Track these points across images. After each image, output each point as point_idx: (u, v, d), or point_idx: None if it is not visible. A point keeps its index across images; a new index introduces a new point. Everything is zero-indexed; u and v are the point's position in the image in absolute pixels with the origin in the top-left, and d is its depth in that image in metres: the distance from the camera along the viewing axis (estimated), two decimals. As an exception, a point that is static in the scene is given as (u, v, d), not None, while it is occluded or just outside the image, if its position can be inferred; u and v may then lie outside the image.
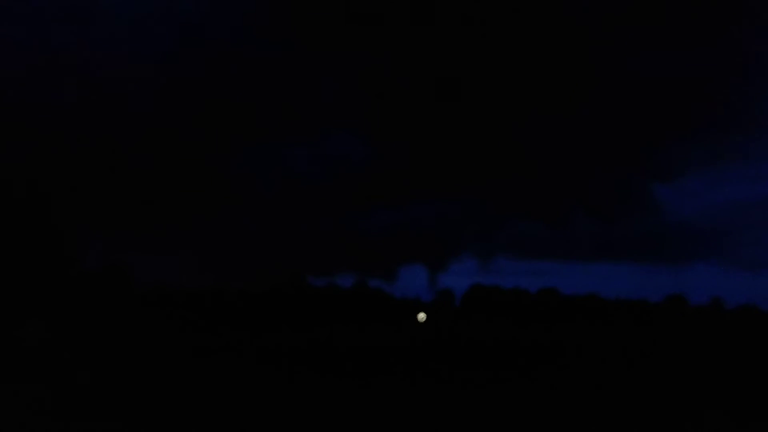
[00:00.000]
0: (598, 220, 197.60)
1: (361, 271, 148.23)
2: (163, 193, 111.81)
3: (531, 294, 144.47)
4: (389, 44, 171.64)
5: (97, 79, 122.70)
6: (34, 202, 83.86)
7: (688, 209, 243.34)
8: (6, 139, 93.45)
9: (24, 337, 60.22)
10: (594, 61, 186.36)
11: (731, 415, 19.46)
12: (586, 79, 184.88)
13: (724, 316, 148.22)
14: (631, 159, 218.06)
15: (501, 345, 52.88)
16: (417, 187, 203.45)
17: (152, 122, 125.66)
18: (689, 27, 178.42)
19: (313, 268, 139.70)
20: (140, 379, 28.21)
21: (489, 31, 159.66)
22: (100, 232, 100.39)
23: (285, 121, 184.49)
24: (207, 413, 19.31)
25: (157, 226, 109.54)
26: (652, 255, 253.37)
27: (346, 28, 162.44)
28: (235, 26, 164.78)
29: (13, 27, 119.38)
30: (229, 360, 38.48)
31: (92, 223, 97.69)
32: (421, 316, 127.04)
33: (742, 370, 33.60)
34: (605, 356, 42.67)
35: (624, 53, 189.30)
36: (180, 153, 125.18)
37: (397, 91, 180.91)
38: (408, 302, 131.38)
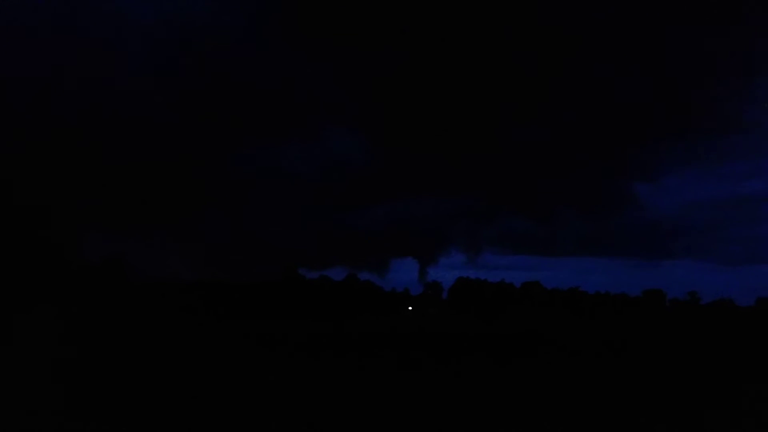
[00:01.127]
0: (582, 217, 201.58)
1: (354, 265, 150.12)
2: (161, 189, 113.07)
3: (515, 287, 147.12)
4: (383, 45, 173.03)
5: (97, 81, 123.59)
6: (34, 199, 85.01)
7: (666, 207, 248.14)
8: (8, 139, 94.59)
9: (25, 327, 61.73)
10: (580, 66, 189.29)
11: (707, 403, 20.02)
12: (574, 83, 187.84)
13: (700, 310, 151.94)
14: (614, 158, 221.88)
15: (485, 336, 54.17)
16: (408, 184, 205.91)
17: (151, 120, 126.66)
18: (670, 35, 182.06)
19: (307, 261, 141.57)
20: (138, 368, 28.55)
21: (483, 34, 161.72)
22: (99, 227, 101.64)
23: (280, 119, 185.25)
24: (203, 400, 19.61)
25: (155, 221, 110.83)
26: (631, 251, 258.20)
27: (342, 28, 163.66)
28: (234, 27, 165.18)
29: (17, 32, 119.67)
30: (224, 349, 38.78)
31: (91, 218, 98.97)
32: (410, 309, 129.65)
33: (718, 361, 34.01)
34: (585, 348, 42.69)
35: (608, 60, 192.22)
36: (178, 150, 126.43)
37: (391, 91, 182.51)
38: (397, 294, 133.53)
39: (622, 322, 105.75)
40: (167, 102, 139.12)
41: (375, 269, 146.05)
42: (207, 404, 19.13)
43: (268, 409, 18.69)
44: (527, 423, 16.97)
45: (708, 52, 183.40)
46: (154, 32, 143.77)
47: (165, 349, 40.00)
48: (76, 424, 16.63)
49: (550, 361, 33.19)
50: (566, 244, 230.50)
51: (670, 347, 45.66)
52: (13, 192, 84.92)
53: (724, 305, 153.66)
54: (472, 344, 45.04)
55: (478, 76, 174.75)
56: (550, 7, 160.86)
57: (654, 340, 53.78)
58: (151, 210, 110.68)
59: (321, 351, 37.70)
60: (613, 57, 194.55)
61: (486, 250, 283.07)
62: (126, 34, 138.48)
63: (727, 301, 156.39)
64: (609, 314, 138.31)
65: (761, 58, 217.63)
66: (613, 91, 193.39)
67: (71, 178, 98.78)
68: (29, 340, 44.98)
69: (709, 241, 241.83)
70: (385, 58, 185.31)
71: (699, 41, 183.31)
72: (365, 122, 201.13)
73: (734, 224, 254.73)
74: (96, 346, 40.92)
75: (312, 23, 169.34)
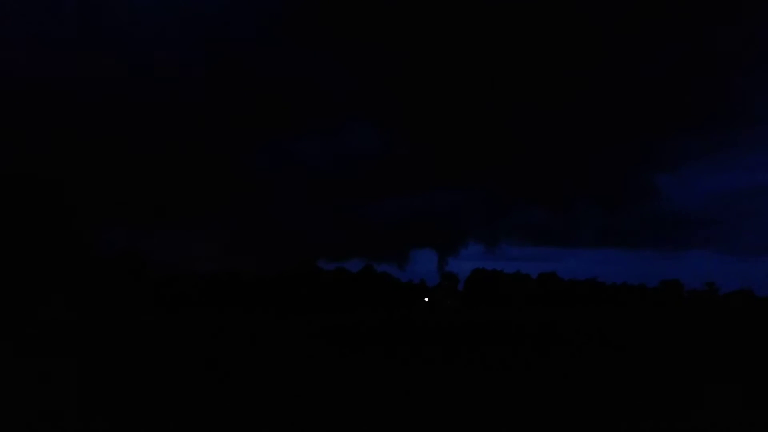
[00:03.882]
0: (601, 208, 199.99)
1: (373, 256, 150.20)
2: (179, 182, 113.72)
3: (532, 279, 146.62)
4: (401, 39, 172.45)
5: (119, 74, 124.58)
6: (54, 191, 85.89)
7: (684, 198, 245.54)
8: (30, 134, 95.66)
9: (45, 317, 62.73)
10: (599, 56, 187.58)
11: (725, 395, 19.70)
12: (592, 72, 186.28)
13: (718, 300, 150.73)
14: (634, 148, 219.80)
15: (500, 327, 54.23)
16: (427, 176, 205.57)
17: (170, 115, 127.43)
18: (689, 25, 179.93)
19: (327, 253, 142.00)
20: (153, 361, 28.77)
21: (498, 24, 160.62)
22: (118, 220, 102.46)
23: (298, 112, 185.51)
24: (219, 394, 19.63)
25: (172, 214, 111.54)
26: (650, 242, 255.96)
27: (360, 22, 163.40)
28: (252, 22, 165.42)
29: (37, 26, 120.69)
30: (241, 342, 38.74)
31: (110, 211, 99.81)
32: (426, 300, 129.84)
33: (736, 353, 33.83)
34: (602, 339, 42.56)
35: (627, 50, 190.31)
36: (197, 144, 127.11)
37: (410, 82, 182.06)
38: (413, 286, 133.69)
39: (640, 312, 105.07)
40: (186, 96, 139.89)
41: (395, 261, 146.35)
42: (221, 396, 19.22)
43: (284, 399, 18.83)
44: (541, 415, 17.00)
45: (728, 44, 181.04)
46: (176, 27, 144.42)
47: (180, 340, 40.48)
48: (91, 417, 16.62)
49: (564, 353, 33.11)
50: (585, 235, 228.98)
51: (689, 338, 45.39)
52: (33, 184, 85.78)
53: (742, 295, 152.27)
54: (486, 336, 44.97)
55: (497, 67, 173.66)
56: (573, 1, 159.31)
57: (672, 331, 53.43)
58: (169, 203, 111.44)
59: (334, 343, 37.71)
60: (633, 48, 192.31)
61: (504, 241, 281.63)
62: (146, 28, 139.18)
63: (745, 291, 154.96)
64: (627, 305, 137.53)
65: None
66: (633, 82, 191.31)
67: (91, 172, 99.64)
68: (45, 332, 45.67)
69: (728, 231, 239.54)
70: (403, 50, 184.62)
71: (718, 33, 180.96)
72: (383, 114, 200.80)
73: (754, 215, 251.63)
74: (112, 338, 41.44)
75: (330, 17, 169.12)
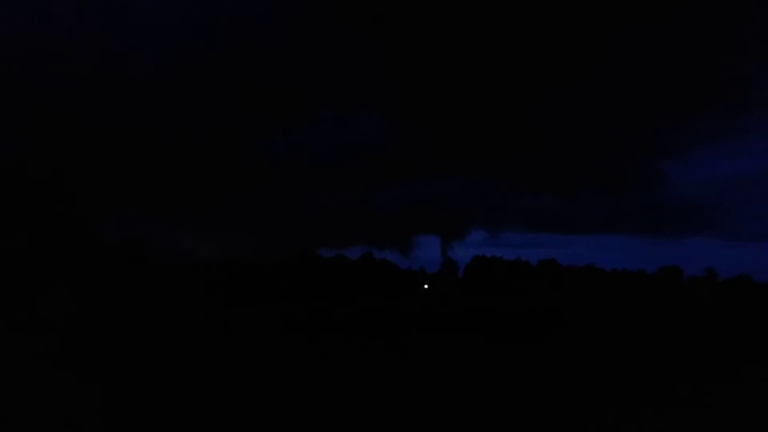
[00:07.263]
0: (605, 194, 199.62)
1: (377, 244, 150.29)
2: (183, 170, 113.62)
3: (531, 265, 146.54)
4: (404, 28, 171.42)
5: (123, 64, 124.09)
6: (55, 179, 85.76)
7: (684, 184, 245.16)
8: (32, 120, 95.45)
9: (47, 306, 62.78)
10: (604, 42, 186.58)
11: (726, 380, 19.87)
12: (597, 59, 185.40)
13: (718, 286, 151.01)
14: (639, 135, 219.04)
15: (499, 313, 54.43)
16: (430, 163, 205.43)
17: (173, 103, 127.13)
18: (695, 14, 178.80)
19: (330, 241, 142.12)
20: (156, 345, 29.23)
21: (501, 10, 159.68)
22: (121, 209, 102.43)
23: (303, 101, 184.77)
24: (220, 379, 19.84)
25: (175, 201, 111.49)
26: (651, 228, 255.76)
27: (364, 12, 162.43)
28: (260, 10, 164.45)
29: (38, 14, 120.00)
30: (237, 331, 39.00)
31: (112, 198, 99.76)
32: (425, 288, 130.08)
33: (734, 336, 34.06)
34: (601, 324, 42.72)
35: (633, 36, 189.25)
36: (200, 133, 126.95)
37: (413, 69, 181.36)
38: (413, 273, 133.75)
39: (639, 298, 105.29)
40: (190, 86, 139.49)
41: (398, 248, 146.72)
42: (224, 381, 19.37)
43: (284, 383, 19.00)
44: (541, 401, 17.07)
45: (733, 29, 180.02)
46: (180, 16, 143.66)
47: (181, 328, 40.65)
48: (91, 406, 16.69)
49: (564, 336, 33.24)
50: (588, 221, 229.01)
51: (688, 322, 45.60)
52: (35, 173, 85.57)
53: (741, 281, 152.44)
54: (482, 323, 45.11)
55: (500, 55, 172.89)
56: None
57: (671, 316, 53.64)
58: (170, 191, 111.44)
59: (331, 331, 37.71)
60: (637, 32, 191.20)
61: (507, 228, 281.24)
62: (153, 20, 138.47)
63: (744, 277, 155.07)
64: (626, 291, 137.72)
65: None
66: (637, 67, 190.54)
67: (93, 160, 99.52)
68: (45, 321, 45.73)
69: (728, 217, 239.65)
70: (406, 39, 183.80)
71: (724, 17, 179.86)
72: (387, 102, 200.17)
73: (753, 200, 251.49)
74: (116, 322, 41.57)
75: (335, 7, 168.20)
